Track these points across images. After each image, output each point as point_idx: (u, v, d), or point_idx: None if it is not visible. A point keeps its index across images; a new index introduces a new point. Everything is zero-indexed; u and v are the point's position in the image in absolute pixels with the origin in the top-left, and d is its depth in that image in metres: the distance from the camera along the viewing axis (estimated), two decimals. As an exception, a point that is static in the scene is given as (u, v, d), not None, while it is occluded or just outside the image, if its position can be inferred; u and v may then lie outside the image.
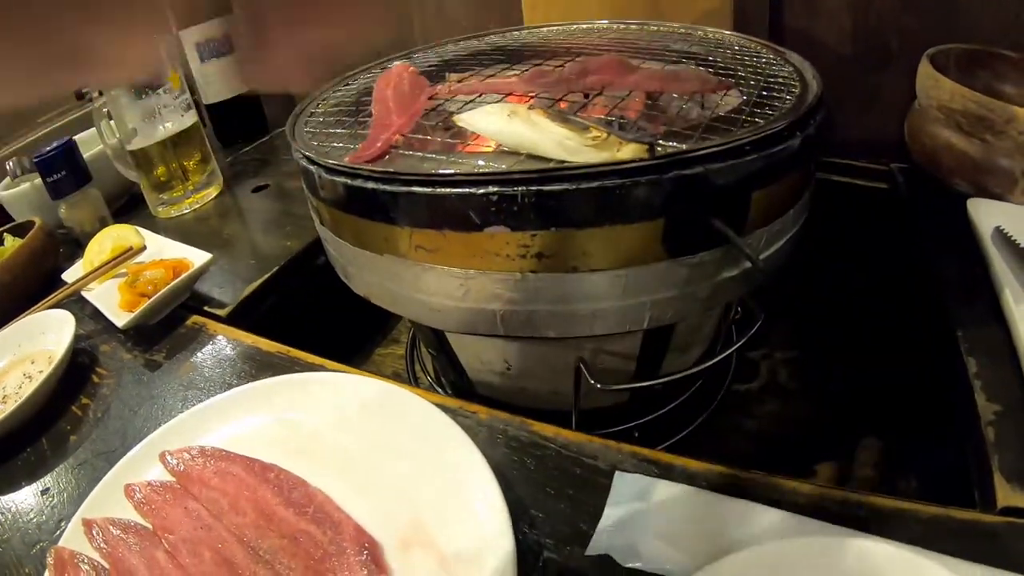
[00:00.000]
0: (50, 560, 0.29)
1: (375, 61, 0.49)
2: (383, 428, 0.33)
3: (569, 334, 0.32)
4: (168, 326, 0.47)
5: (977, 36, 0.52)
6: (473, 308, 0.33)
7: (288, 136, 0.39)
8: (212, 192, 0.66)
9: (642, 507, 0.28)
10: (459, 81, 0.40)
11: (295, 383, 0.36)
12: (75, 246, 0.59)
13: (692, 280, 0.31)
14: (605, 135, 0.28)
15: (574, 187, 0.28)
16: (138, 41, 0.15)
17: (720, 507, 0.28)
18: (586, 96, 0.35)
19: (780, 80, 0.36)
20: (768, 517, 0.27)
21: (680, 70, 0.37)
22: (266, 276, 0.51)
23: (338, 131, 0.38)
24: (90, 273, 0.50)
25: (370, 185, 0.31)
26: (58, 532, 0.33)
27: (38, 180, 0.60)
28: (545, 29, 0.52)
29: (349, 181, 0.33)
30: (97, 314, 0.48)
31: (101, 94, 0.59)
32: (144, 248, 0.52)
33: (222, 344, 0.45)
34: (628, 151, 0.28)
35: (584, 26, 0.51)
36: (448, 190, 0.29)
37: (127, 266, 0.50)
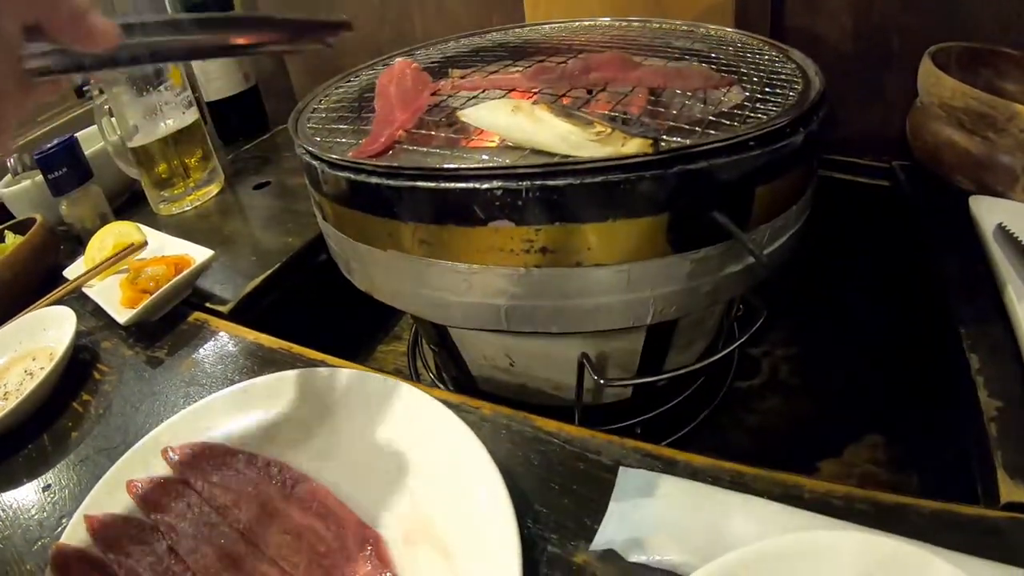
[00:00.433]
0: (52, 557, 0.29)
1: (377, 58, 0.49)
2: (386, 423, 0.33)
3: (573, 329, 0.33)
4: (170, 323, 0.47)
5: (978, 34, 0.52)
6: (477, 303, 0.33)
7: (291, 132, 0.39)
8: (213, 189, 0.66)
9: (646, 502, 0.28)
10: (461, 77, 0.40)
11: (297, 379, 0.36)
12: (76, 243, 0.59)
13: (696, 275, 0.31)
14: (609, 130, 0.28)
15: (578, 182, 0.28)
16: None
17: (724, 502, 0.27)
18: (589, 92, 0.35)
19: (783, 77, 0.36)
20: (773, 512, 0.27)
21: (683, 67, 0.37)
22: (268, 273, 0.51)
23: (341, 127, 0.38)
24: (91, 270, 0.50)
25: (374, 180, 0.31)
26: (60, 529, 0.33)
27: (39, 177, 0.59)
28: (547, 26, 0.52)
29: (353, 176, 0.33)
30: (98, 311, 0.48)
31: (102, 91, 0.59)
32: (146, 245, 0.52)
33: (224, 340, 0.45)
34: (632, 146, 0.28)
35: (586, 23, 0.51)
36: (452, 185, 0.29)
37: (129, 263, 0.50)
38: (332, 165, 0.34)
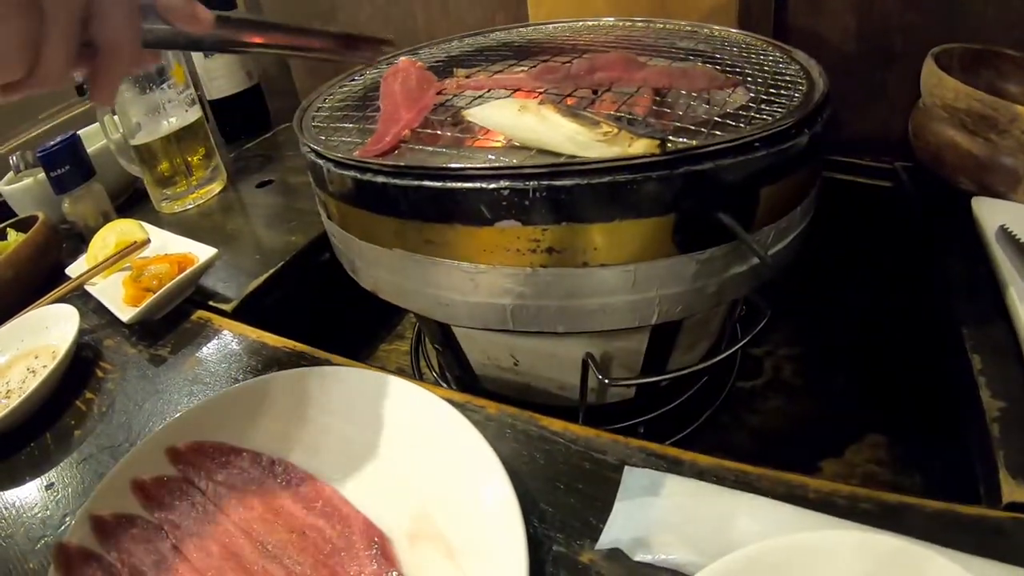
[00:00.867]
0: (55, 555, 0.29)
1: (381, 57, 0.49)
2: (391, 422, 0.33)
3: (578, 329, 0.33)
4: (173, 321, 0.47)
5: (981, 34, 0.52)
6: (482, 303, 0.33)
7: (296, 130, 0.39)
8: (216, 187, 0.66)
9: (652, 502, 0.28)
10: (466, 77, 0.40)
11: (301, 377, 0.36)
12: (78, 241, 0.59)
13: (701, 275, 0.31)
14: (616, 130, 0.28)
15: (585, 182, 0.28)
16: None
17: (729, 502, 0.28)
18: (594, 92, 0.35)
19: (787, 78, 0.36)
20: (777, 512, 0.27)
21: (688, 67, 0.38)
22: (271, 271, 0.51)
23: (345, 126, 0.38)
24: (94, 267, 0.50)
25: (380, 179, 0.31)
26: (63, 527, 0.33)
27: (41, 175, 0.59)
28: (552, 26, 0.52)
29: (359, 175, 0.33)
30: (101, 309, 0.48)
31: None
32: (148, 243, 0.51)
33: (227, 339, 0.45)
34: (639, 146, 0.28)
35: (591, 23, 0.51)
36: (459, 185, 0.29)
37: (131, 261, 0.50)
38: (338, 164, 0.34)
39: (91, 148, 0.61)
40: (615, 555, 0.26)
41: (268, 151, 0.75)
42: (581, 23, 0.52)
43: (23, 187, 0.62)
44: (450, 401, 0.32)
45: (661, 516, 0.27)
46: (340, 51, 0.30)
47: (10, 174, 0.65)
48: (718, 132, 0.30)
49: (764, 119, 0.31)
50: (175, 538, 0.30)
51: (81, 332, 0.44)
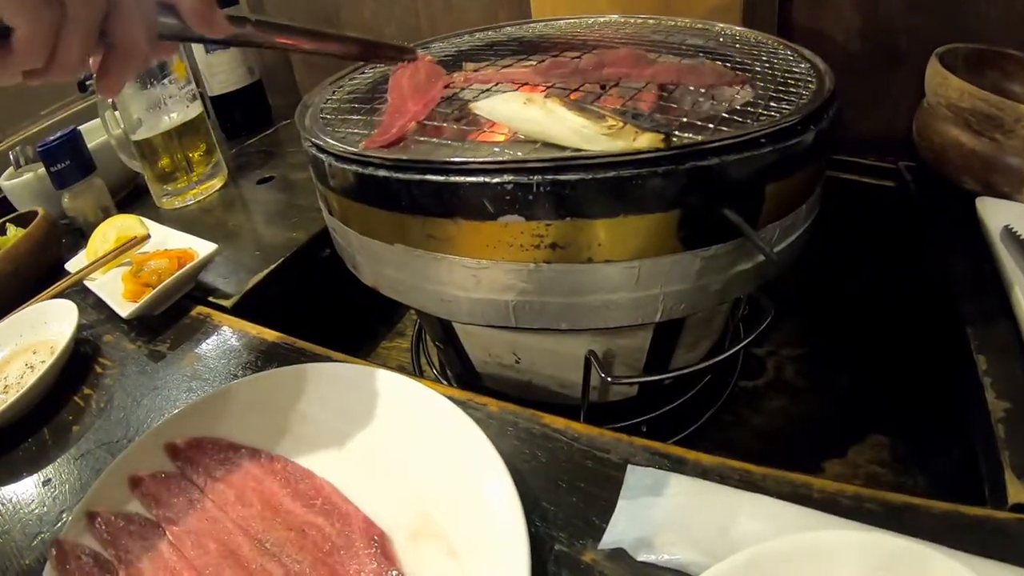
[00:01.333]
0: (52, 551, 0.29)
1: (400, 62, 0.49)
2: (392, 419, 0.33)
3: (581, 326, 0.32)
4: (172, 317, 0.47)
5: (985, 34, 0.52)
6: (485, 299, 0.32)
7: (297, 125, 0.38)
8: (216, 183, 0.65)
9: (655, 501, 0.28)
10: (475, 70, 0.40)
11: (301, 374, 0.36)
12: (78, 236, 0.59)
13: (705, 272, 0.31)
14: (621, 124, 0.27)
15: (590, 176, 0.28)
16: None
17: (733, 501, 0.27)
18: (602, 88, 0.35)
19: (796, 76, 0.36)
20: (781, 512, 0.27)
21: (696, 64, 0.37)
22: (271, 267, 0.51)
23: (353, 118, 0.37)
24: (94, 263, 0.49)
25: (382, 173, 0.31)
26: (60, 523, 0.33)
27: (41, 170, 0.59)
28: (562, 22, 0.52)
29: (360, 169, 0.32)
30: (100, 304, 0.48)
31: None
32: (148, 238, 0.51)
33: (227, 335, 0.45)
34: (644, 141, 0.27)
35: (600, 19, 0.51)
36: (462, 179, 0.29)
37: (131, 256, 0.50)
38: (339, 158, 0.34)
39: (91, 143, 0.61)
40: (618, 555, 0.26)
41: (269, 147, 0.74)
42: (592, 19, 0.51)
43: (23, 182, 0.62)
44: (452, 399, 0.32)
45: (664, 516, 0.27)
46: (358, 57, 0.31)
47: (10, 169, 0.65)
48: (724, 128, 0.30)
49: (771, 116, 0.31)
50: (173, 535, 0.30)
51: (80, 327, 0.44)
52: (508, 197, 0.29)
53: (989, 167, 0.45)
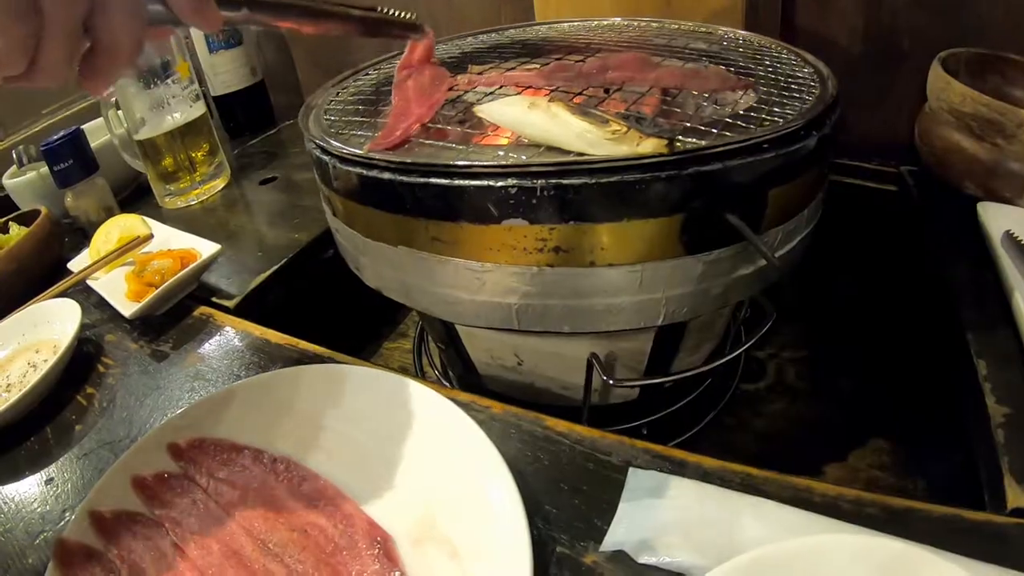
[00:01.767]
0: (54, 551, 0.29)
1: (394, 52, 0.49)
2: (395, 421, 0.33)
3: (584, 329, 0.32)
4: (175, 317, 0.47)
5: (987, 39, 0.52)
6: (488, 302, 0.33)
7: (301, 126, 0.38)
8: (219, 183, 0.65)
9: (656, 503, 0.28)
10: (479, 73, 0.40)
11: (304, 375, 0.36)
12: (81, 235, 0.59)
13: (708, 276, 0.31)
14: (625, 129, 0.28)
15: (593, 181, 0.28)
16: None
17: (734, 504, 0.27)
18: (606, 91, 0.35)
19: (799, 80, 0.36)
20: (783, 515, 0.27)
21: (700, 68, 0.37)
22: (274, 268, 0.51)
23: (356, 119, 0.37)
24: (97, 262, 0.49)
25: (386, 176, 0.31)
26: (62, 523, 0.33)
27: (44, 169, 0.59)
28: (566, 25, 0.52)
29: (365, 171, 0.32)
30: (103, 303, 0.48)
31: (109, 83, 0.59)
32: (151, 238, 0.51)
33: (230, 335, 0.45)
34: (648, 146, 0.27)
35: (604, 23, 0.51)
36: (467, 182, 0.29)
37: (134, 256, 0.50)
38: (343, 160, 0.34)
39: (95, 143, 0.61)
40: (619, 557, 0.26)
41: (272, 147, 0.75)
42: (596, 22, 0.51)
43: (26, 181, 0.62)
44: (454, 400, 0.32)
45: (666, 518, 0.27)
46: (362, 34, 0.30)
47: (13, 168, 0.65)
48: (727, 133, 0.30)
49: (775, 121, 0.31)
50: (175, 535, 0.30)
51: (83, 327, 0.44)
52: (512, 201, 0.29)
53: (991, 172, 0.45)
